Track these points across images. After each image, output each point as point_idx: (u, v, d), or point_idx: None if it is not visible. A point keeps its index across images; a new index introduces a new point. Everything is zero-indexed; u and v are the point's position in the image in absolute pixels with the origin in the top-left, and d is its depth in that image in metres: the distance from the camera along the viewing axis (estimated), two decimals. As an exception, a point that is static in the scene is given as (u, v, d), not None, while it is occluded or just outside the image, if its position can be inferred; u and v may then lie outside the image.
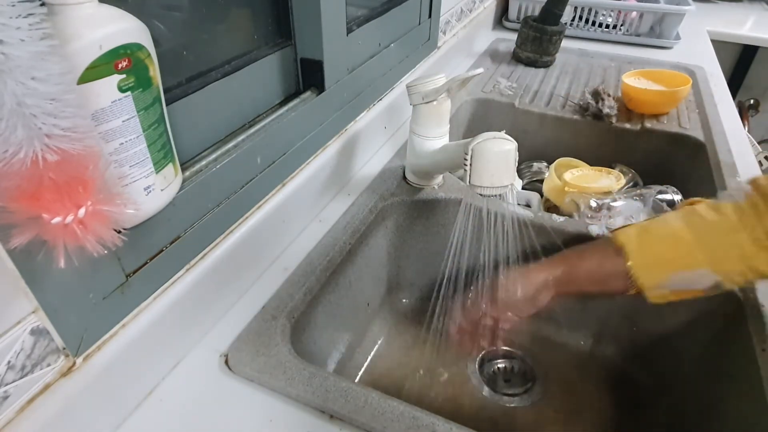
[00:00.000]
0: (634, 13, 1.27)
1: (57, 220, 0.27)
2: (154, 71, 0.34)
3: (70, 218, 0.27)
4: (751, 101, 1.85)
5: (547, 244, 0.66)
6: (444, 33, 1.01)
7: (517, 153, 0.49)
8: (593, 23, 1.31)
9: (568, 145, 0.94)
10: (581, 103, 0.92)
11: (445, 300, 0.59)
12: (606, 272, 0.52)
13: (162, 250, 0.42)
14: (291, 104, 0.57)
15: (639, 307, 0.65)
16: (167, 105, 0.38)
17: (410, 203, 0.68)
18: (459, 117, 0.94)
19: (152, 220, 0.39)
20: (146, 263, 0.41)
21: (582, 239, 0.64)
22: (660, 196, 0.73)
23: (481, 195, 0.50)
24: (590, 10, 1.28)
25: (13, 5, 0.23)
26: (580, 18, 1.31)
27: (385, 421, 0.40)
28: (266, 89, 0.55)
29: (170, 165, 0.38)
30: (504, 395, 0.65)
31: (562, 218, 0.66)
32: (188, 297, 0.45)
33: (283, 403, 0.43)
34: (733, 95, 1.16)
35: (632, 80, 0.94)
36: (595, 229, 0.64)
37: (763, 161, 1.38)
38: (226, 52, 0.50)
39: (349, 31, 0.64)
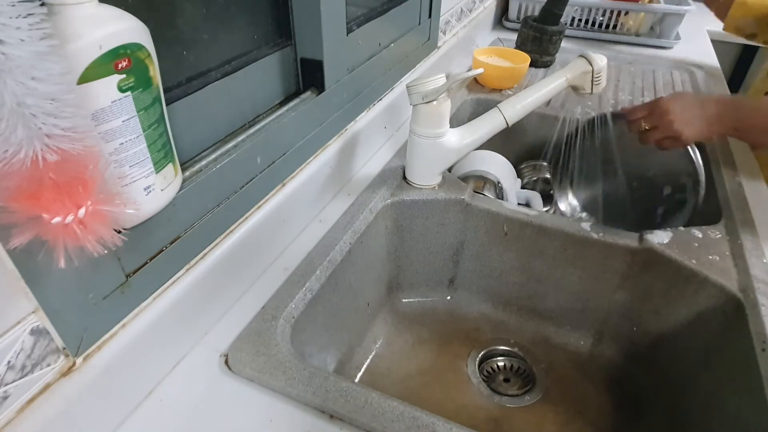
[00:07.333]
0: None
1: (57, 220, 0.27)
2: (154, 71, 0.34)
3: (70, 218, 0.27)
4: (751, 101, 1.85)
5: (548, 245, 0.67)
6: (444, 33, 1.01)
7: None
8: (593, 23, 1.31)
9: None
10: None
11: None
12: None
13: (162, 250, 0.42)
14: (291, 104, 0.57)
15: (639, 307, 0.65)
16: (167, 105, 0.38)
17: (410, 203, 0.68)
18: (459, 117, 0.94)
19: (152, 220, 0.39)
20: (146, 263, 0.41)
21: (581, 240, 0.64)
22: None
23: None
24: (590, 10, 1.28)
25: (13, 5, 0.23)
26: (580, 18, 1.31)
27: (385, 421, 0.40)
28: (266, 89, 0.55)
29: (170, 165, 0.38)
30: (504, 395, 0.65)
31: (559, 218, 0.66)
32: (188, 297, 0.45)
33: (283, 403, 0.43)
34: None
35: (483, 57, 1.03)
36: (591, 228, 0.64)
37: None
38: (226, 52, 0.50)
39: (349, 31, 0.64)
